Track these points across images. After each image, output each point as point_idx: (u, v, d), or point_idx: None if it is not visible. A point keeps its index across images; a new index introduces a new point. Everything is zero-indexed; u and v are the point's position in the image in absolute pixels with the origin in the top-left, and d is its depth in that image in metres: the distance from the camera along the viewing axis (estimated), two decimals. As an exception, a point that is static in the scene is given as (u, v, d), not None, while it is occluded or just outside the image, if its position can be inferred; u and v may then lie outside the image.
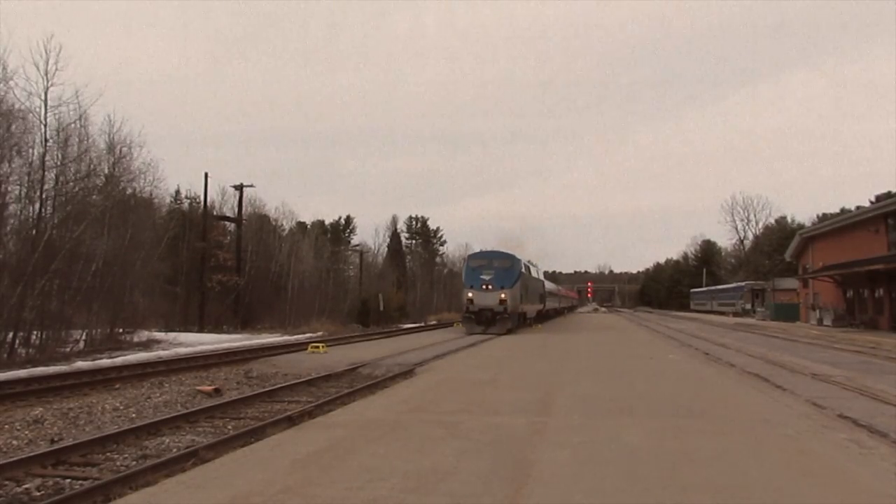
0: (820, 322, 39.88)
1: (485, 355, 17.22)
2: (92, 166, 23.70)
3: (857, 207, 48.74)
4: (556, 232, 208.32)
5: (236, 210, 40.57)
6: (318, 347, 20.07)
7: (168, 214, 40.53)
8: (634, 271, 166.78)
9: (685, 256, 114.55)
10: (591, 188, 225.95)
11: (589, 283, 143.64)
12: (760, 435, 6.93)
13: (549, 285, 52.01)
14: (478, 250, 35.18)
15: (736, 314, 64.08)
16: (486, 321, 28.53)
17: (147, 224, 28.86)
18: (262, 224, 46.57)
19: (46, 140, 21.04)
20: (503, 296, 28.65)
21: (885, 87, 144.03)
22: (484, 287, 28.92)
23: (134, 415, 9.67)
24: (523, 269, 32.64)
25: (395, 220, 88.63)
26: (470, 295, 29.02)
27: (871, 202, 47.39)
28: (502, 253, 32.17)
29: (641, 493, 4.80)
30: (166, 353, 19.41)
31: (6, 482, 6.11)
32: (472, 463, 5.66)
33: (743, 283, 70.62)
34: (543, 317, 46.64)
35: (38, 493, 5.84)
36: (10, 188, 20.32)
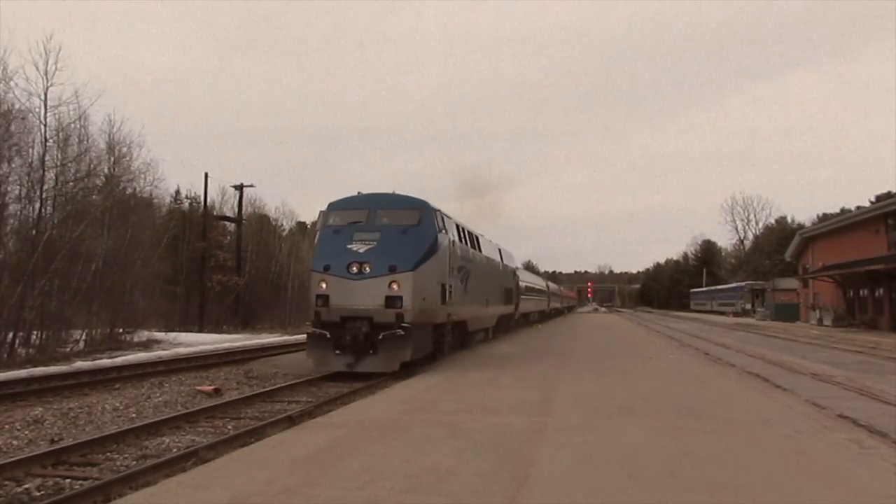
0: (820, 322, 39.88)
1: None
2: (92, 166, 23.71)
3: (857, 207, 48.75)
4: (556, 232, 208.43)
5: (236, 210, 40.52)
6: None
7: (168, 214, 40.47)
8: (634, 271, 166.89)
9: (685, 256, 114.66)
10: (592, 188, 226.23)
11: (589, 283, 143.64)
12: (760, 435, 6.92)
13: (525, 276, 35.38)
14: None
15: (736, 314, 64.11)
16: (358, 345, 12.83)
17: (147, 224, 28.84)
18: (262, 224, 46.57)
19: (46, 140, 21.06)
20: (395, 285, 12.92)
21: (885, 87, 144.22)
22: (354, 269, 13.13)
23: (134, 415, 9.67)
24: (453, 238, 15.68)
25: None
26: (323, 285, 13.27)
27: (871, 202, 47.46)
28: (399, 199, 14.76)
29: (642, 493, 4.80)
30: (166, 353, 19.40)
31: (6, 482, 6.11)
32: (472, 463, 5.65)
33: (743, 283, 70.66)
34: (523, 321, 34.59)
35: (38, 493, 5.84)
36: (10, 188, 20.34)
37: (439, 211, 14.78)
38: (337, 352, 12.74)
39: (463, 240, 17.13)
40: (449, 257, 14.81)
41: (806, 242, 47.18)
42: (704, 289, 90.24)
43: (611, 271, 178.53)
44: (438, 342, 14.75)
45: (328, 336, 12.74)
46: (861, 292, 37.28)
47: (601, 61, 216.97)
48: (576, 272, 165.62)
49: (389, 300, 12.69)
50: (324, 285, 13.13)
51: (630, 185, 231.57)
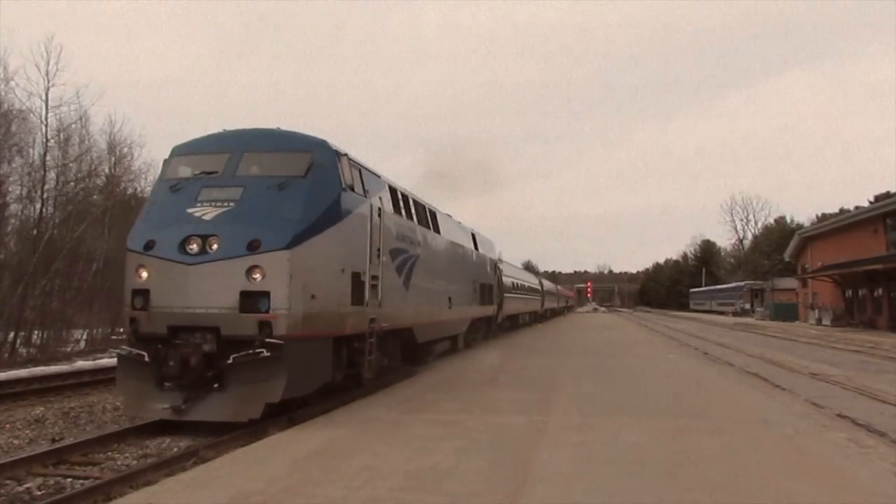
0: (819, 322, 39.90)
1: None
2: (93, 166, 23.79)
3: (857, 207, 48.72)
4: (556, 232, 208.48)
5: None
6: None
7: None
8: (634, 271, 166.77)
9: (685, 256, 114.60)
10: (592, 188, 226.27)
11: (589, 283, 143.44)
12: (760, 434, 6.94)
13: (511, 270, 30.06)
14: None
15: (735, 314, 64.10)
16: (193, 374, 7.68)
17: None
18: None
19: (47, 140, 21.13)
20: (258, 273, 7.70)
21: (885, 87, 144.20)
22: (193, 247, 7.92)
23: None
24: (380, 205, 10.57)
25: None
26: (143, 275, 8.07)
27: (871, 202, 47.42)
28: (280, 137, 9.35)
29: (641, 493, 4.82)
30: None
31: (7, 481, 6.13)
32: (472, 462, 5.67)
33: (742, 283, 70.65)
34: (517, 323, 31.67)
35: (39, 493, 5.86)
36: (11, 188, 20.40)
37: (346, 156, 9.19)
38: (165, 385, 7.78)
39: (403, 212, 12.04)
40: (370, 232, 9.68)
41: (805, 242, 47.19)
42: (704, 288, 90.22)
43: (610, 271, 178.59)
44: (353, 363, 9.61)
45: (147, 359, 7.76)
46: (860, 292, 37.29)
47: (601, 61, 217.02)
48: (576, 272, 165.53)
49: (247, 298, 7.57)
50: (143, 274, 7.97)
51: (630, 184, 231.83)
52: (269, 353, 7.46)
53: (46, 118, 20.81)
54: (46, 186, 21.06)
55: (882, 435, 7.11)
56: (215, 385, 7.66)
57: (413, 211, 12.92)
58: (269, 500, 4.65)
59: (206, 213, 8.08)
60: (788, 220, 79.24)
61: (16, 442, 8.01)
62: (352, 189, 9.31)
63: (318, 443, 6.50)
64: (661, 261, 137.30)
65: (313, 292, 8.08)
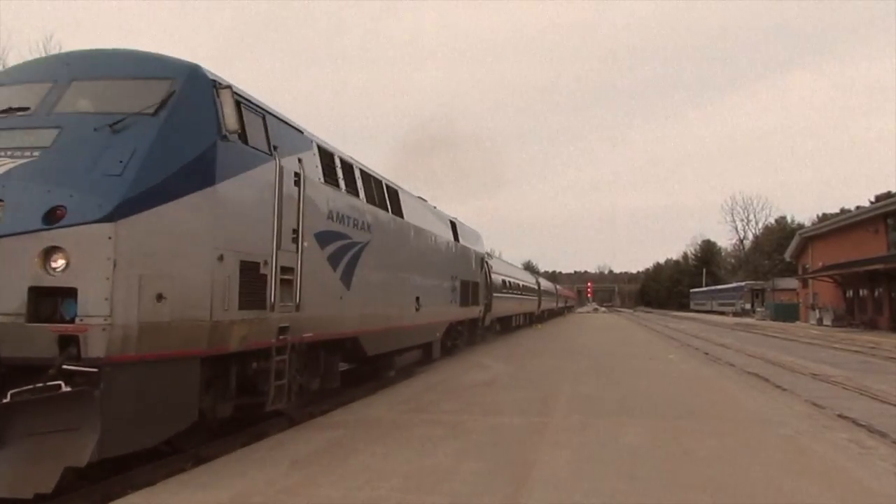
0: (819, 322, 39.89)
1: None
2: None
3: (857, 207, 48.70)
4: (556, 232, 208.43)
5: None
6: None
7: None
8: (634, 271, 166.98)
9: (685, 256, 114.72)
10: (592, 188, 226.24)
11: (589, 283, 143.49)
12: (760, 435, 6.93)
13: (501, 267, 27.64)
14: None
15: (736, 314, 64.13)
16: None
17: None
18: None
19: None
20: (61, 258, 4.96)
21: (885, 87, 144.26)
22: None
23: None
24: (300, 170, 7.69)
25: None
26: None
27: (871, 202, 47.39)
28: (125, 58, 6.55)
29: (641, 493, 4.80)
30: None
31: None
32: (472, 463, 5.66)
33: (743, 283, 70.70)
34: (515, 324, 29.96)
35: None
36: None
37: (229, 88, 6.40)
38: None
39: (343, 184, 9.31)
40: (279, 205, 7.04)
41: (806, 242, 47.19)
42: (704, 289, 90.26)
43: (611, 271, 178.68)
44: (254, 389, 6.94)
45: None
46: (861, 292, 37.29)
47: (601, 61, 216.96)
48: (576, 272, 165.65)
49: (41, 299, 5.08)
50: None
51: (630, 184, 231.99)
52: (72, 388, 4.84)
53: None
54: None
55: (883, 435, 7.11)
56: None
57: (360, 185, 9.99)
58: (269, 500, 4.64)
59: None
60: (789, 220, 79.40)
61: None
62: (243, 140, 6.55)
63: (318, 443, 6.50)
64: (662, 261, 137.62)
65: (159, 290, 5.33)
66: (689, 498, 4.73)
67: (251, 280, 6.54)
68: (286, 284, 7.23)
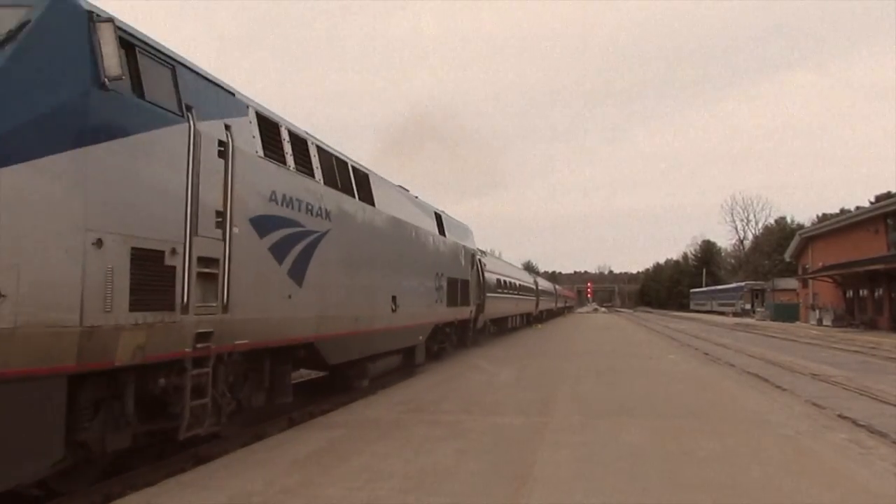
0: (819, 322, 39.89)
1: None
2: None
3: (857, 207, 48.76)
4: (557, 232, 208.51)
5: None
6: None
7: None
8: (634, 271, 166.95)
9: (685, 256, 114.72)
10: (592, 188, 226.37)
11: (589, 283, 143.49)
12: (760, 435, 6.93)
13: (496, 265, 26.03)
14: None
15: (736, 314, 64.12)
16: None
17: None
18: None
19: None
20: None
21: (886, 87, 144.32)
22: None
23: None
24: (231, 130, 6.44)
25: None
26: None
27: (871, 202, 47.44)
28: None
29: (641, 493, 4.80)
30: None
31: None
32: (472, 463, 5.66)
33: (743, 284, 70.68)
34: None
35: (39, 493, 5.84)
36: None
37: (111, 21, 4.98)
38: None
39: (292, 161, 7.85)
40: (195, 179, 5.86)
41: (806, 242, 47.19)
42: (704, 289, 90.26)
43: (611, 271, 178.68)
44: (164, 412, 5.73)
45: None
46: (861, 292, 37.29)
47: (601, 61, 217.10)
48: (576, 272, 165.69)
49: None
50: None
51: (630, 184, 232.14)
52: None
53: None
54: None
55: (883, 436, 7.10)
56: None
57: (317, 165, 8.48)
58: (269, 501, 4.64)
59: None
60: (789, 221, 79.41)
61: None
62: (138, 93, 5.30)
63: (318, 443, 6.50)
64: (662, 261, 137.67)
65: None
66: (689, 498, 4.73)
67: (150, 273, 5.17)
68: (208, 280, 5.92)
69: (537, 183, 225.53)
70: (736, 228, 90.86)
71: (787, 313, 48.90)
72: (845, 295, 39.12)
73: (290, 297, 7.43)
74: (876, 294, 35.27)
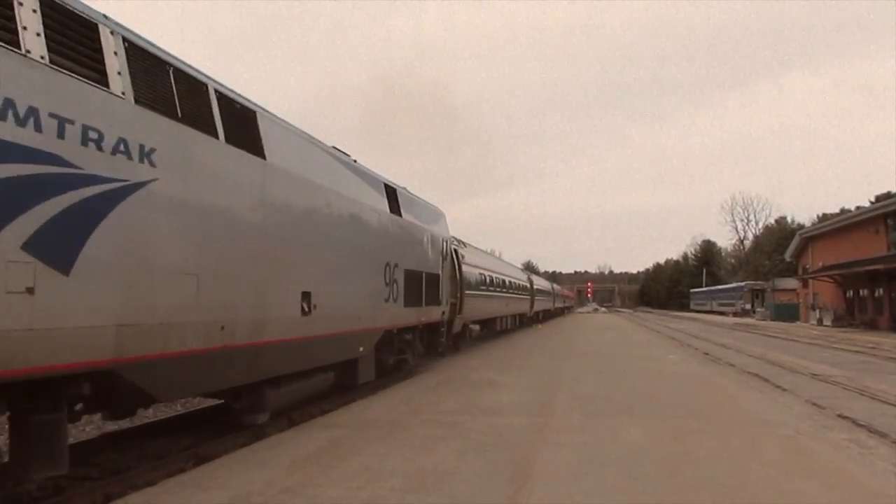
0: (820, 322, 39.89)
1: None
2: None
3: (857, 207, 48.76)
4: (557, 232, 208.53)
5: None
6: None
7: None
8: (634, 271, 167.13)
9: (685, 256, 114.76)
10: (592, 188, 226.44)
11: (589, 283, 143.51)
12: (760, 435, 6.93)
13: (478, 258, 22.28)
14: None
15: (736, 314, 64.15)
16: None
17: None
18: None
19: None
20: None
21: (885, 87, 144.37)
22: None
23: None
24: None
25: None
26: None
27: (871, 202, 47.47)
28: None
29: (641, 493, 4.81)
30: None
31: (6, 482, 6.09)
32: (472, 463, 5.66)
33: (743, 284, 70.71)
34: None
35: (38, 493, 5.84)
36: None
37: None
38: None
39: (40, 50, 4.39)
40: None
41: (806, 242, 47.19)
42: (704, 289, 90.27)
43: (611, 271, 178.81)
44: None
45: None
46: (861, 292, 37.29)
47: (601, 61, 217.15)
48: (576, 272, 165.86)
49: None
50: None
51: (630, 184, 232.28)
52: None
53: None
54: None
55: (883, 436, 7.11)
56: None
57: (124, 71, 5.19)
58: (269, 501, 4.64)
59: None
60: (789, 221, 79.49)
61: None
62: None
63: (318, 443, 6.49)
64: (662, 261, 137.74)
65: None
66: (689, 498, 4.73)
67: None
68: None
69: (537, 183, 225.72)
70: (736, 228, 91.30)
71: (788, 313, 48.92)
72: (845, 295, 39.12)
73: (28, 290, 4.16)
74: (876, 294, 35.27)
